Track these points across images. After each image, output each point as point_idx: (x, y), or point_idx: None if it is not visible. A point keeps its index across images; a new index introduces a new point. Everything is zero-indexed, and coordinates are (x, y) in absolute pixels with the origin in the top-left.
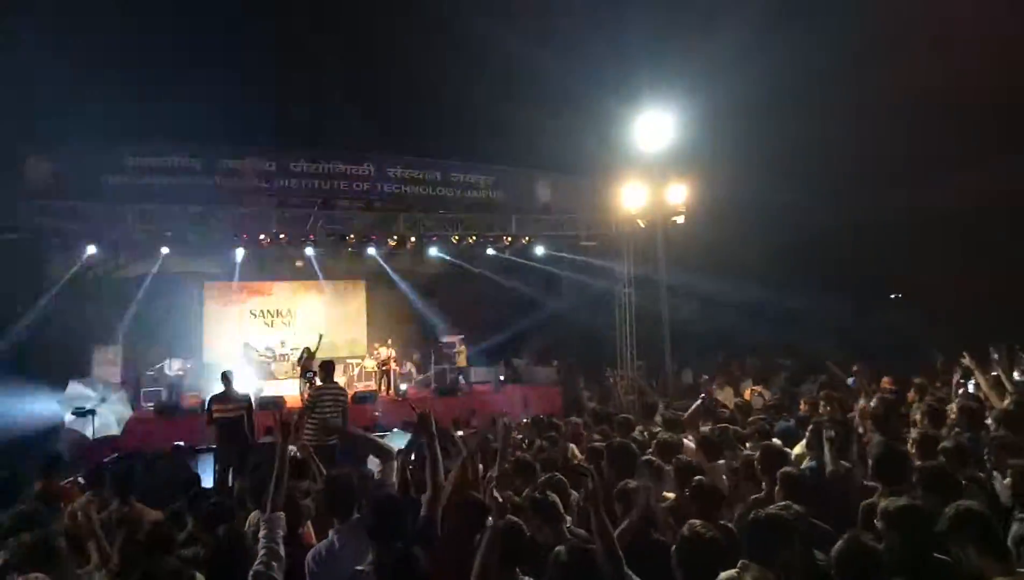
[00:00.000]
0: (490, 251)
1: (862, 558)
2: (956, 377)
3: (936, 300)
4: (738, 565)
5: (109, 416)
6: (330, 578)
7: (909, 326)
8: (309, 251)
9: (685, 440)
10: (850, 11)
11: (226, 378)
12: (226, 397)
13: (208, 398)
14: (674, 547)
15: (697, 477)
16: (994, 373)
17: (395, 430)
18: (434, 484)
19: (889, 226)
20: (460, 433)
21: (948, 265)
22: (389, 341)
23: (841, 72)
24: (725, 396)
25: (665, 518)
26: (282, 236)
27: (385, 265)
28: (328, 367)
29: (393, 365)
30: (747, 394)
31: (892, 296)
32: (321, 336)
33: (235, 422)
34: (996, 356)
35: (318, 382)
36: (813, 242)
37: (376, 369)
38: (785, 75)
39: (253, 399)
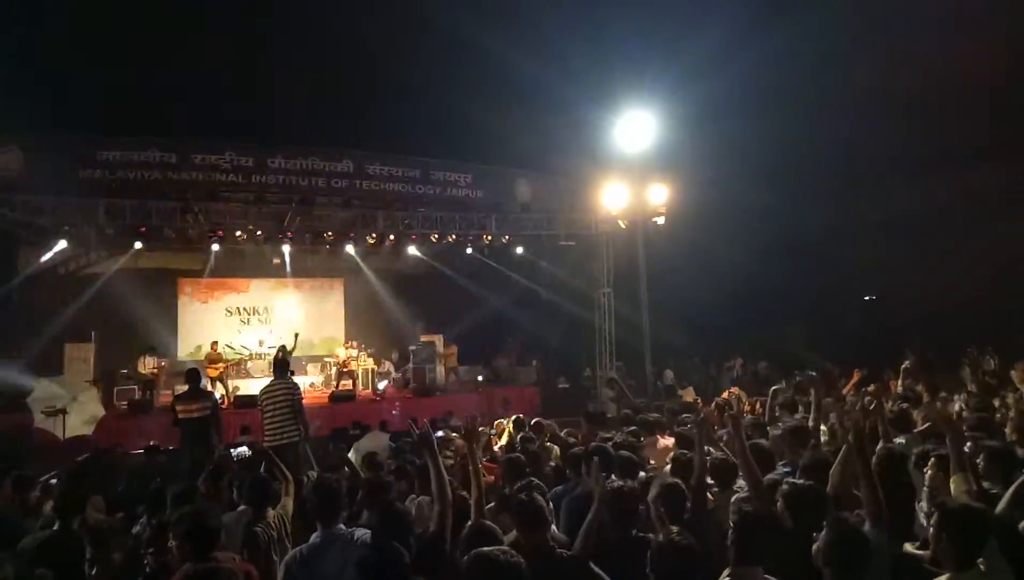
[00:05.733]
0: (469, 250)
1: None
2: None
3: (911, 302)
4: (726, 572)
5: (81, 415)
6: (314, 575)
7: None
8: (286, 248)
9: (661, 439)
10: (831, 12)
11: (191, 377)
12: (191, 396)
13: (173, 397)
14: (649, 553)
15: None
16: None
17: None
18: (441, 501)
19: (868, 227)
20: (440, 433)
21: (925, 266)
22: (352, 343)
23: (822, 73)
24: (686, 395)
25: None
26: (259, 233)
27: (363, 263)
28: (279, 363)
29: (353, 366)
30: (725, 395)
31: (867, 298)
32: (297, 335)
33: (200, 422)
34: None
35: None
36: (794, 243)
37: (336, 369)
38: (766, 76)
39: (231, 397)
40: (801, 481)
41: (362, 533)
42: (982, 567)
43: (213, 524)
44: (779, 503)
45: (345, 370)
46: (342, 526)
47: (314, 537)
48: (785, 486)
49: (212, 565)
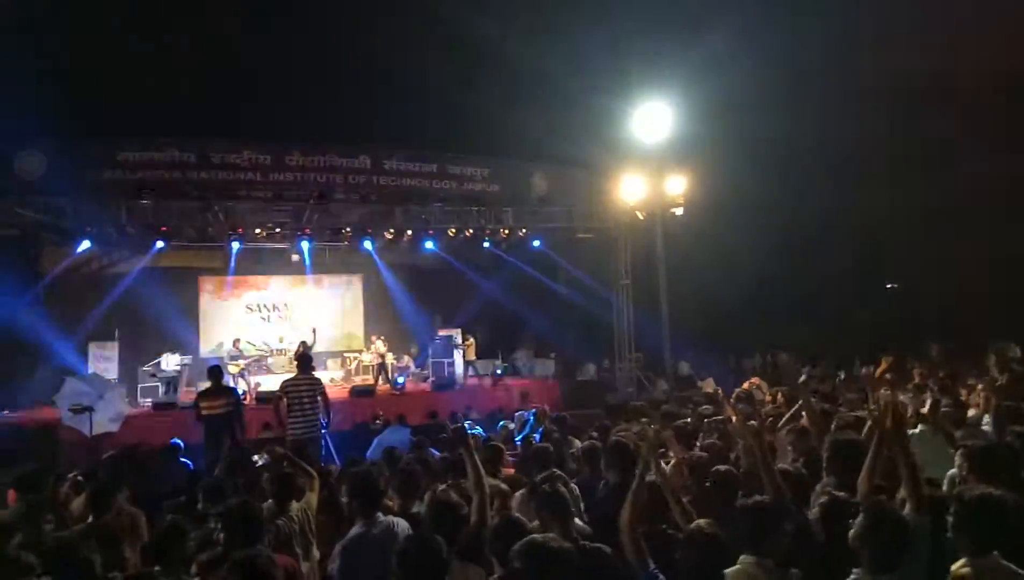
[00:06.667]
0: (486, 244)
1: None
2: None
3: (933, 292)
4: (739, 560)
5: (107, 413)
6: (362, 565)
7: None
8: (305, 245)
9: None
10: (851, 4)
11: (214, 373)
12: (214, 393)
13: (196, 394)
14: (680, 546)
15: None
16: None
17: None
18: (480, 492)
19: (889, 217)
20: (468, 423)
21: (947, 257)
22: (382, 336)
23: (841, 65)
24: (706, 387)
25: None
26: (278, 230)
27: (381, 258)
28: (302, 358)
29: (390, 359)
30: (745, 386)
31: (888, 286)
32: (315, 330)
33: (224, 418)
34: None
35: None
36: (814, 234)
37: (373, 363)
38: (785, 67)
39: (253, 393)
40: (843, 494)
41: (399, 521)
42: (999, 556)
43: (258, 515)
44: (815, 513)
45: (378, 364)
46: (380, 515)
47: (355, 528)
48: (825, 498)
49: (254, 551)
